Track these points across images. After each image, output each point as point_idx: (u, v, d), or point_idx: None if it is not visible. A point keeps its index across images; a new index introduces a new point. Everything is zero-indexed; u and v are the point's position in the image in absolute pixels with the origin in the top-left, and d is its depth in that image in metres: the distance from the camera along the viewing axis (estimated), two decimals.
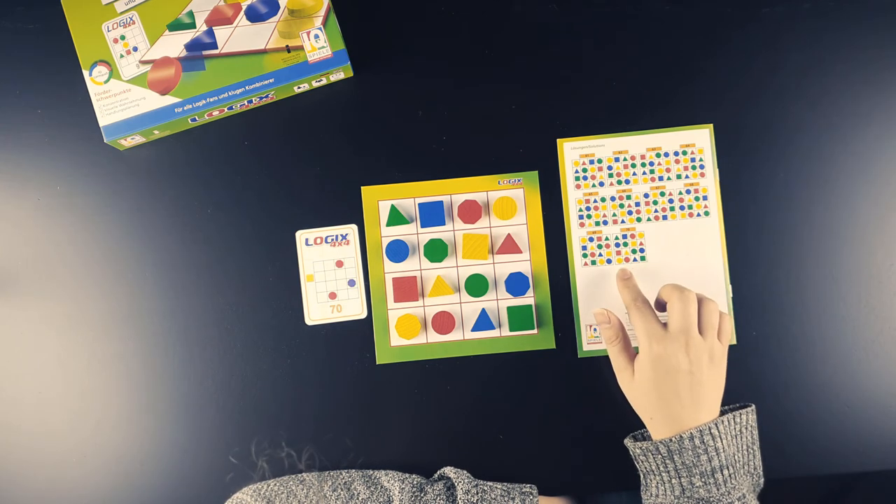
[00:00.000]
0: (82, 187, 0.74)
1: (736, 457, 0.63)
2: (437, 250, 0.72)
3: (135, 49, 0.71)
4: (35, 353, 0.73)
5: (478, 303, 0.72)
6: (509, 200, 0.73)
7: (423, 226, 0.73)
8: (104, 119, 0.71)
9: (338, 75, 0.73)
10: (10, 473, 0.72)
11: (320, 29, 0.71)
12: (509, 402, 0.72)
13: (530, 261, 0.73)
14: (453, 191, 0.73)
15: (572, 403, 0.72)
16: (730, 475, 0.62)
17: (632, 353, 0.67)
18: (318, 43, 0.71)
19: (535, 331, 0.72)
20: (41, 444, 0.72)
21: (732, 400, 0.68)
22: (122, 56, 0.71)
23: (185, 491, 0.72)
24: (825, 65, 0.74)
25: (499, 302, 0.72)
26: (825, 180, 0.73)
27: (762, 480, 0.66)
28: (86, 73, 0.71)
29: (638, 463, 0.66)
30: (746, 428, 0.65)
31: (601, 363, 0.72)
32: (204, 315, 0.73)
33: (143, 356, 0.73)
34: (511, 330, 0.72)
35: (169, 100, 0.71)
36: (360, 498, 0.66)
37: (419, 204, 0.73)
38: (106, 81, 0.71)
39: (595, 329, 0.71)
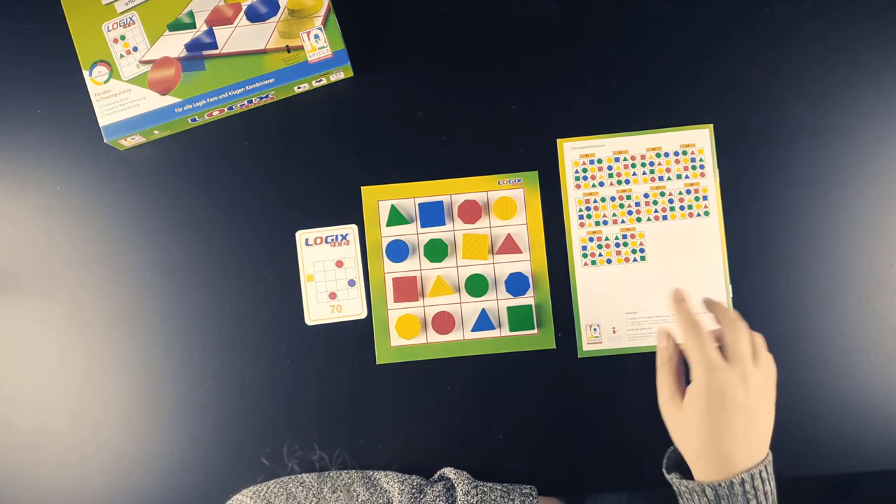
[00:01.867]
0: (82, 187, 0.74)
1: (776, 498, 0.59)
2: (437, 250, 0.72)
3: (135, 49, 0.71)
4: (35, 353, 0.73)
5: (478, 303, 0.72)
6: (509, 200, 0.73)
7: (423, 226, 0.73)
8: (104, 119, 0.71)
9: (338, 75, 0.73)
10: (10, 473, 0.72)
11: (320, 29, 0.71)
12: (509, 402, 0.72)
13: (530, 261, 0.73)
14: (453, 191, 0.73)
15: (572, 403, 0.72)
16: None
17: (682, 380, 0.62)
18: (318, 43, 0.71)
19: (535, 331, 0.72)
20: (41, 444, 0.72)
21: None
22: (122, 56, 0.71)
23: (184, 491, 0.72)
24: (825, 65, 0.74)
25: (499, 302, 0.72)
26: (825, 180, 0.73)
27: None
28: (86, 73, 0.71)
29: (681, 499, 0.61)
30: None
31: (602, 363, 0.72)
32: (204, 315, 0.73)
33: (143, 356, 0.73)
34: (511, 330, 0.72)
35: (169, 100, 0.71)
36: (359, 499, 0.66)
37: (419, 204, 0.73)
38: (106, 81, 0.71)
39: (595, 329, 0.71)
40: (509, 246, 0.72)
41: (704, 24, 0.74)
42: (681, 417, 0.60)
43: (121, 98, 0.71)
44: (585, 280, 0.72)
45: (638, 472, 0.71)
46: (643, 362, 0.72)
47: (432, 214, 0.73)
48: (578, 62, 0.74)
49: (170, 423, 0.72)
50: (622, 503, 0.79)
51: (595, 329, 0.71)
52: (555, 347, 0.72)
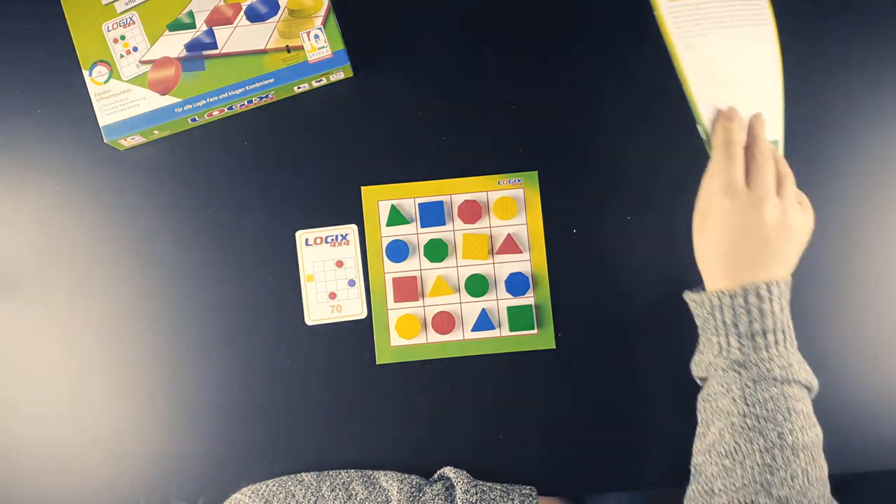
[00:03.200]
0: (82, 187, 0.74)
1: (789, 325, 0.60)
2: (437, 250, 0.72)
3: (135, 49, 0.71)
4: (35, 353, 0.73)
5: (478, 303, 0.72)
6: (509, 200, 0.73)
7: (423, 226, 0.73)
8: (104, 119, 0.71)
9: (338, 75, 0.73)
10: (9, 473, 0.72)
11: (320, 29, 0.71)
12: (509, 402, 0.72)
13: (530, 261, 0.73)
14: (453, 191, 0.73)
15: (572, 403, 0.72)
16: (774, 342, 0.58)
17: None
18: (318, 43, 0.71)
19: (535, 331, 0.72)
20: (41, 443, 0.72)
21: None
22: (122, 56, 0.71)
23: (184, 491, 0.71)
24: (826, 65, 0.74)
25: (499, 302, 0.72)
26: (825, 180, 0.73)
27: (815, 382, 0.62)
28: (86, 73, 0.71)
29: (696, 318, 0.64)
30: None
31: (601, 364, 0.72)
32: (204, 315, 0.73)
33: (143, 356, 0.73)
34: (511, 330, 0.72)
35: (169, 100, 0.71)
36: (357, 498, 0.66)
37: (419, 204, 0.73)
38: (106, 81, 0.71)
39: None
40: (509, 246, 0.72)
41: None
42: (695, 228, 0.63)
43: (121, 98, 0.71)
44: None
45: (638, 472, 0.71)
46: (642, 363, 0.72)
47: (432, 214, 0.73)
48: (578, 62, 0.74)
49: (170, 423, 0.72)
50: (622, 503, 0.79)
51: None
52: (555, 347, 0.72)
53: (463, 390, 0.72)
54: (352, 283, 0.73)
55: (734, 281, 0.59)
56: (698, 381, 0.64)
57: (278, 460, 0.71)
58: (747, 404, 0.57)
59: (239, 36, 0.71)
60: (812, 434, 0.58)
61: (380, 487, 0.67)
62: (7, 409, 0.73)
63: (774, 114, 0.67)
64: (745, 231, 0.59)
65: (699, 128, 0.65)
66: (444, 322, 0.72)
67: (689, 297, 0.64)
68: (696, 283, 0.65)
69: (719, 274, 0.61)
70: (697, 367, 0.63)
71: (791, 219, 0.60)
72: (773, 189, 0.60)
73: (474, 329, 0.72)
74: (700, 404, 0.63)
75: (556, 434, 0.72)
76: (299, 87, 0.73)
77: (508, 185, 0.73)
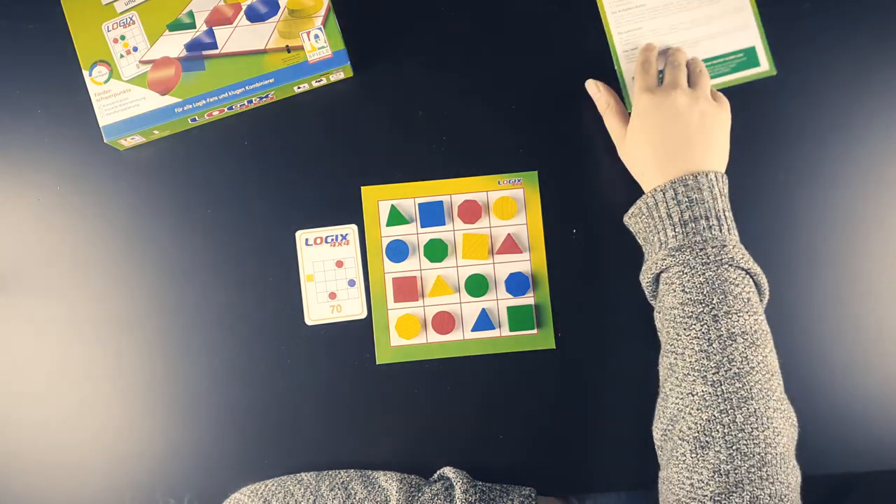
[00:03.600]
0: (82, 187, 0.74)
1: (725, 214, 0.62)
2: (437, 250, 0.72)
3: (135, 49, 0.71)
4: (35, 353, 0.73)
5: (478, 303, 0.72)
6: (509, 200, 0.73)
7: (423, 226, 0.73)
8: (104, 119, 0.71)
9: (338, 75, 0.73)
10: (9, 473, 0.72)
11: (320, 29, 0.71)
12: (509, 402, 0.72)
13: (530, 261, 0.73)
14: (453, 191, 0.73)
15: (572, 403, 0.72)
16: (707, 227, 0.60)
17: (626, 118, 0.70)
18: (318, 43, 0.71)
19: (535, 331, 0.72)
20: (41, 444, 0.72)
21: None
22: (122, 56, 0.71)
23: (184, 490, 0.71)
24: (825, 65, 0.74)
25: (499, 302, 0.72)
26: (825, 181, 0.73)
27: (757, 269, 0.62)
28: (86, 73, 0.71)
29: (638, 236, 0.66)
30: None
31: (601, 364, 0.72)
32: (204, 315, 0.73)
33: (143, 356, 0.73)
34: (511, 330, 0.72)
35: (169, 100, 0.71)
36: (357, 497, 0.66)
37: (419, 204, 0.73)
38: (106, 81, 0.71)
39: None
40: (509, 246, 0.72)
41: None
42: (626, 142, 0.68)
43: (121, 98, 0.71)
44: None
45: (638, 472, 0.71)
46: (643, 362, 0.72)
47: (432, 214, 0.73)
48: (578, 61, 0.74)
49: (170, 422, 0.72)
50: (621, 503, 0.79)
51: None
52: (555, 347, 0.72)
53: (463, 390, 0.72)
54: (352, 283, 0.73)
55: (665, 178, 0.63)
56: (649, 298, 0.66)
57: (278, 460, 0.71)
58: (685, 291, 0.59)
59: (239, 36, 0.71)
60: (751, 320, 0.58)
61: (379, 487, 0.67)
62: (6, 409, 0.73)
63: (753, 42, 0.74)
64: (664, 119, 0.64)
65: (616, 66, 0.74)
66: (444, 322, 0.72)
67: (626, 217, 0.67)
68: None
69: (651, 174, 0.65)
70: (644, 275, 0.65)
71: (703, 105, 0.66)
72: (683, 82, 0.67)
73: (474, 329, 0.72)
74: (655, 317, 0.64)
75: (555, 434, 0.72)
76: (299, 87, 0.73)
77: (508, 185, 0.73)
